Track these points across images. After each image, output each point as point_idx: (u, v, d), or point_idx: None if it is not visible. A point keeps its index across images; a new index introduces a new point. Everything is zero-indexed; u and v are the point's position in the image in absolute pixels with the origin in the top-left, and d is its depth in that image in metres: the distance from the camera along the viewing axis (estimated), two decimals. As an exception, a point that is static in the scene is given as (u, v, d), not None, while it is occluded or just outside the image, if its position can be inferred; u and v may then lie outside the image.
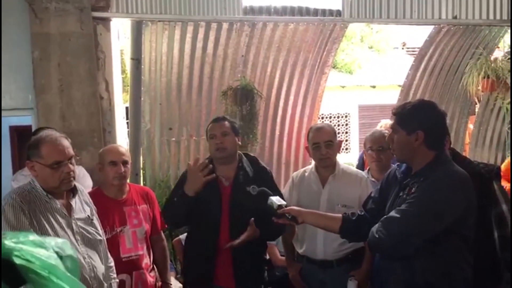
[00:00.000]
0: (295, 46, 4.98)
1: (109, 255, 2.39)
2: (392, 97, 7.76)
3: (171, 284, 3.06)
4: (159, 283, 3.01)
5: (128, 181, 2.98)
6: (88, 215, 2.26)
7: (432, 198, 1.97)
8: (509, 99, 5.48)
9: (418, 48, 5.86)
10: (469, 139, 6.04)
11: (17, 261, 0.98)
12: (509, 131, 5.50)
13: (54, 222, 2.08)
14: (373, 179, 3.04)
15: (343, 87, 11.46)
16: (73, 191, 2.23)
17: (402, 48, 13.93)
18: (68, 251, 1.12)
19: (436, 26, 5.06)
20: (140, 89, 4.70)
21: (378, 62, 12.97)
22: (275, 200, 2.33)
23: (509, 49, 5.52)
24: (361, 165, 4.45)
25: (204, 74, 4.91)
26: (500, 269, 2.33)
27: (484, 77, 5.20)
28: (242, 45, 4.85)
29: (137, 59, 4.59)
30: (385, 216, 2.06)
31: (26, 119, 4.38)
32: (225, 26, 4.67)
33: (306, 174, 3.00)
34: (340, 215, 2.31)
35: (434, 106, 2.15)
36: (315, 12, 4.65)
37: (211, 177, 2.62)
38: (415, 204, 1.97)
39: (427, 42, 5.35)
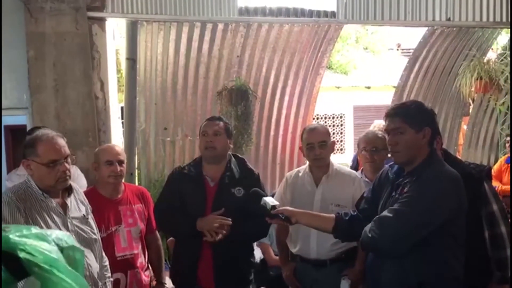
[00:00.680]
0: (290, 47, 5.00)
1: (104, 254, 2.39)
2: (386, 98, 7.81)
3: (165, 284, 3.07)
4: (154, 283, 3.02)
5: (123, 180, 2.98)
6: (83, 214, 2.27)
7: (424, 197, 1.99)
8: (502, 101, 5.53)
9: (413, 49, 5.90)
10: (463, 140, 6.09)
11: (22, 255, 1.02)
12: (502, 132, 5.54)
13: (49, 221, 2.09)
14: (366, 180, 3.06)
15: (338, 87, 11.51)
16: (69, 190, 2.24)
17: (397, 49, 14.00)
18: (70, 242, 1.15)
19: (430, 27, 5.10)
20: (135, 89, 4.71)
21: (373, 63, 13.04)
22: (269, 200, 2.34)
23: (502, 51, 5.57)
24: (355, 166, 4.47)
25: (199, 74, 4.93)
26: (490, 268, 2.36)
27: (477, 79, 5.25)
28: (237, 46, 4.87)
29: (132, 59, 4.60)
30: (377, 216, 2.08)
31: (20, 119, 4.37)
32: (220, 26, 4.68)
33: (300, 174, 3.01)
34: (333, 215, 2.33)
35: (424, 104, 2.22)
36: (310, 13, 4.67)
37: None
38: (407, 204, 1.99)
39: (421, 43, 5.39)
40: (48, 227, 2.07)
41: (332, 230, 2.28)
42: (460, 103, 5.76)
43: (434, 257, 2.01)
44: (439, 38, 5.23)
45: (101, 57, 4.25)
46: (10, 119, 5.27)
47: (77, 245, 1.17)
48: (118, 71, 5.15)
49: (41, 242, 1.05)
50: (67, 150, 2.18)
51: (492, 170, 4.84)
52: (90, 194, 2.62)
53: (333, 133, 11.80)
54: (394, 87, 6.06)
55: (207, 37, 4.74)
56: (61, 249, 1.10)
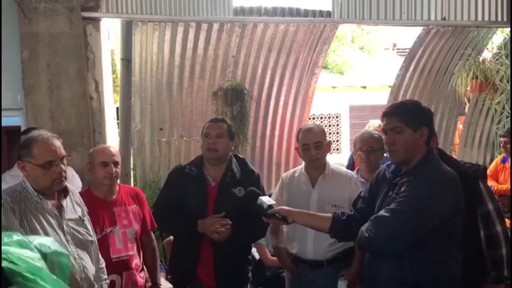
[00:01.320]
0: (286, 46, 4.99)
1: (100, 256, 2.38)
2: (382, 98, 7.80)
3: (160, 285, 3.06)
4: (149, 284, 3.00)
5: (118, 181, 2.97)
6: (79, 216, 2.25)
7: (421, 196, 1.98)
8: (498, 100, 5.54)
9: (408, 49, 5.90)
10: (459, 140, 6.10)
11: (4, 264, 0.98)
12: (498, 131, 5.55)
13: (45, 223, 2.07)
14: (362, 180, 3.06)
15: (334, 87, 11.51)
16: (65, 191, 2.23)
17: (393, 49, 14.02)
18: (54, 247, 1.11)
19: (425, 27, 5.10)
20: (130, 89, 4.70)
21: (369, 62, 13.06)
22: (265, 200, 2.33)
23: (498, 50, 5.58)
24: (351, 166, 4.47)
25: (194, 75, 4.91)
26: (486, 267, 2.36)
27: (473, 78, 5.25)
28: (233, 46, 4.86)
29: (127, 59, 4.58)
30: (374, 215, 2.07)
31: (15, 120, 4.34)
32: (215, 26, 4.67)
33: (296, 174, 3.01)
34: (330, 214, 2.32)
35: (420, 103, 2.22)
36: (306, 13, 4.66)
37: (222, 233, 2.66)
38: (404, 203, 1.99)
39: (416, 43, 5.40)
40: (44, 229, 2.05)
41: (328, 230, 2.27)
42: (455, 103, 5.77)
43: (431, 256, 2.01)
44: (435, 37, 5.24)
45: (96, 58, 4.23)
46: (4, 120, 5.23)
47: (61, 249, 1.14)
48: (113, 71, 5.13)
49: (24, 249, 1.01)
50: (62, 151, 2.16)
51: (488, 170, 4.85)
52: (85, 195, 2.60)
53: (329, 133, 11.80)
54: (390, 86, 6.06)
55: (202, 37, 4.72)
56: (45, 256, 1.06)
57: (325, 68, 11.35)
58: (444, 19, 4.79)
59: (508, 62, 5.29)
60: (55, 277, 1.01)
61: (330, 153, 3.01)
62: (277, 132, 5.43)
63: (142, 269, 2.95)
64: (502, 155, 5.07)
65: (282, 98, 5.30)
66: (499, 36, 5.80)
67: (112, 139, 4.69)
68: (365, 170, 3.15)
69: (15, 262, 0.98)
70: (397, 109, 2.13)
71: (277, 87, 5.23)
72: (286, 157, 5.54)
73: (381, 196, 2.17)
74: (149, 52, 4.73)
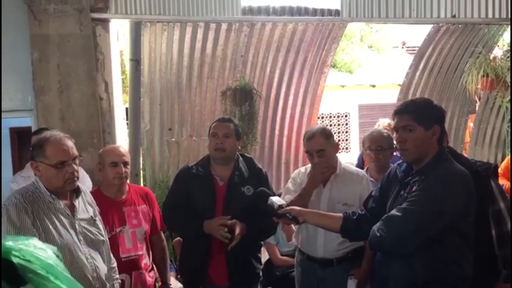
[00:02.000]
0: (294, 46, 4.98)
1: (111, 255, 2.40)
2: (392, 96, 7.77)
3: (170, 285, 3.07)
4: (159, 284, 3.02)
5: (128, 181, 2.99)
6: (91, 216, 2.27)
7: (433, 196, 1.97)
8: (509, 98, 5.48)
9: (418, 47, 5.86)
10: (469, 138, 6.04)
11: (16, 260, 0.98)
12: (509, 129, 5.50)
13: (57, 223, 2.09)
14: (371, 179, 3.04)
15: (343, 86, 11.47)
16: (77, 191, 2.25)
17: (402, 47, 13.93)
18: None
19: (435, 25, 5.06)
20: (140, 90, 4.71)
21: (378, 61, 12.98)
22: (276, 200, 2.34)
23: (509, 48, 5.52)
24: (360, 165, 4.44)
25: (203, 75, 4.92)
26: (497, 266, 2.33)
27: (483, 76, 5.20)
28: (241, 45, 4.86)
29: (136, 60, 4.59)
30: (386, 215, 2.07)
31: (25, 121, 4.38)
32: (224, 26, 4.67)
33: (307, 173, 2.99)
34: (340, 214, 2.32)
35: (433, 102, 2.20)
36: (314, 12, 4.65)
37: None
38: (416, 202, 1.98)
39: (426, 41, 5.36)
40: (56, 228, 2.08)
41: (339, 230, 2.27)
42: (466, 101, 5.72)
43: (443, 256, 2.00)
44: (444, 35, 5.20)
45: (105, 58, 4.25)
46: (15, 121, 5.28)
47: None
48: (122, 72, 5.16)
49: (38, 249, 1.02)
50: (75, 151, 2.18)
51: (499, 168, 4.80)
52: (95, 195, 2.62)
53: (338, 132, 11.76)
54: (399, 85, 6.02)
55: (210, 37, 4.73)
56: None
57: (333, 67, 11.32)
58: (454, 16, 4.76)
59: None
60: (68, 274, 1.01)
61: (339, 153, 2.98)
62: (285, 132, 5.42)
63: (152, 269, 2.96)
64: (514, 153, 5.01)
65: (291, 97, 5.29)
66: (509, 33, 5.74)
67: (122, 140, 4.71)
68: (374, 169, 3.13)
69: (29, 260, 0.99)
70: (409, 107, 2.11)
71: (285, 86, 5.23)
72: (295, 157, 5.53)
73: (393, 195, 2.16)
74: (158, 52, 4.74)
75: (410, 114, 2.07)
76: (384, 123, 4.62)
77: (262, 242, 3.17)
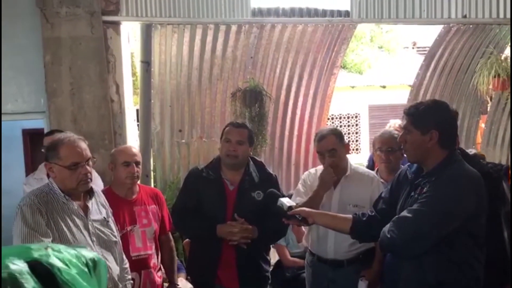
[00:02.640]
0: (304, 47, 4.98)
1: (124, 256, 2.42)
2: (402, 97, 7.72)
3: (178, 285, 3.09)
4: (166, 284, 3.04)
5: (138, 181, 3.01)
6: (104, 217, 2.30)
7: (444, 197, 1.97)
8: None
9: (428, 47, 5.82)
10: (481, 139, 5.99)
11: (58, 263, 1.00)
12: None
13: (71, 223, 2.13)
14: (382, 180, 3.03)
15: (353, 87, 11.44)
16: (90, 193, 2.28)
17: (413, 48, 13.86)
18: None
19: (446, 25, 5.03)
20: (150, 91, 4.74)
21: (388, 62, 12.93)
22: (285, 201, 2.34)
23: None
24: (371, 166, 4.43)
25: (213, 76, 4.94)
26: (510, 268, 2.31)
27: (494, 76, 5.16)
28: (251, 47, 4.87)
29: (147, 62, 4.62)
30: (396, 216, 2.06)
31: (38, 123, 4.43)
32: (233, 28, 4.69)
33: (318, 174, 2.99)
34: (350, 215, 2.32)
35: (446, 106, 2.16)
36: (324, 13, 4.64)
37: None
38: (427, 204, 1.97)
39: (437, 41, 5.33)
40: (70, 229, 2.11)
41: (349, 231, 2.27)
42: (477, 101, 5.67)
43: (454, 257, 1.99)
44: (455, 35, 5.16)
45: (116, 61, 4.28)
46: (28, 123, 5.35)
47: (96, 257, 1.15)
48: (133, 74, 5.19)
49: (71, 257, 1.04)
50: (88, 153, 2.22)
51: (512, 169, 4.75)
52: (106, 194, 2.65)
53: (348, 133, 11.73)
54: (410, 86, 5.99)
55: (220, 39, 4.75)
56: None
57: (343, 68, 11.28)
58: (465, 16, 4.72)
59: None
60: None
61: (350, 153, 2.98)
62: (295, 133, 5.42)
63: (160, 269, 2.98)
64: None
65: (301, 98, 5.29)
66: (510, 34, 5.68)
67: (133, 141, 4.75)
68: (384, 170, 3.13)
69: (68, 265, 1.01)
70: (410, 110, 2.13)
71: (295, 87, 5.22)
72: (305, 158, 5.53)
73: (403, 196, 2.16)
74: (168, 54, 4.77)
75: (409, 117, 2.10)
76: (395, 124, 4.60)
77: (271, 245, 3.18)
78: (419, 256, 2.00)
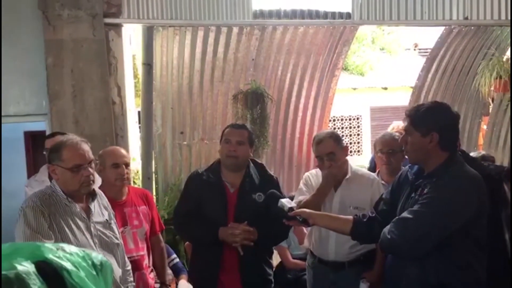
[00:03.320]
0: (305, 49, 4.99)
1: (126, 258, 2.42)
2: (404, 99, 7.72)
3: (169, 286, 3.09)
4: (158, 285, 3.03)
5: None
6: (106, 219, 2.31)
7: (444, 198, 1.97)
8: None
9: (430, 49, 5.82)
10: (483, 140, 5.98)
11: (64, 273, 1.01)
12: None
13: (73, 225, 2.13)
14: (383, 182, 3.02)
15: (354, 89, 11.42)
16: (92, 195, 2.28)
17: (414, 49, 13.84)
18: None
19: (447, 27, 5.03)
20: (152, 93, 4.75)
21: (390, 63, 12.91)
22: (286, 202, 2.34)
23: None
24: (373, 168, 4.42)
25: (214, 78, 4.94)
26: (510, 268, 2.31)
27: (496, 78, 5.15)
28: (252, 49, 4.88)
29: (148, 64, 4.64)
30: (397, 217, 2.06)
31: (40, 125, 4.45)
32: (235, 30, 4.70)
33: (320, 175, 2.99)
34: (351, 217, 2.32)
35: (448, 108, 2.17)
36: (325, 15, 4.65)
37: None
38: (427, 205, 1.97)
39: (438, 43, 5.33)
40: (72, 231, 2.12)
41: (350, 232, 2.27)
42: (479, 103, 5.67)
43: (455, 259, 1.99)
44: (457, 37, 5.16)
45: (118, 63, 4.30)
46: (30, 125, 5.37)
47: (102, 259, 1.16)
48: (135, 76, 5.20)
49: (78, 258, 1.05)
50: (91, 155, 2.22)
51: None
52: None
53: (350, 135, 11.73)
54: (412, 87, 5.99)
55: (222, 41, 4.76)
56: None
57: (345, 69, 11.28)
58: (466, 18, 4.72)
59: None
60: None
61: (351, 155, 2.98)
62: (297, 135, 5.42)
63: (152, 270, 2.98)
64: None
65: (302, 100, 5.29)
66: (510, 35, 5.68)
67: (134, 143, 4.76)
68: (385, 172, 3.12)
69: (77, 267, 1.03)
70: (411, 111, 2.13)
71: (297, 89, 5.23)
72: (307, 160, 5.53)
73: (403, 198, 2.16)
74: (170, 56, 4.78)
75: (410, 119, 2.10)
76: (398, 126, 4.60)
77: (273, 248, 3.17)
78: (421, 257, 2.00)
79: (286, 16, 4.62)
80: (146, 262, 2.89)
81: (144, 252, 2.87)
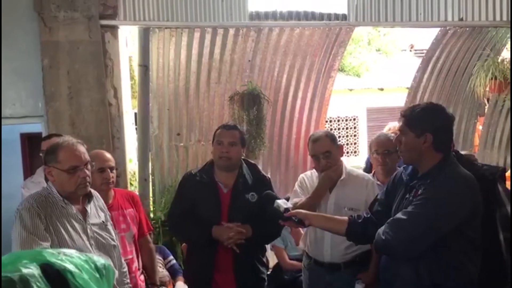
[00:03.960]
0: (301, 50, 5.00)
1: (122, 260, 2.42)
2: (400, 100, 7.72)
3: (159, 286, 3.09)
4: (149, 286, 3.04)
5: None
6: (102, 221, 2.31)
7: (438, 199, 1.98)
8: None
9: (426, 50, 5.85)
10: (478, 141, 6.01)
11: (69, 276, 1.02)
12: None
13: (69, 227, 2.13)
14: (378, 182, 3.04)
15: (351, 90, 11.45)
16: (89, 196, 2.28)
17: (410, 50, 13.89)
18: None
19: (443, 28, 5.05)
20: (148, 95, 4.75)
21: (386, 64, 12.96)
22: (282, 203, 2.35)
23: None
24: (368, 168, 4.42)
25: (211, 80, 4.95)
26: (505, 270, 2.33)
27: (491, 79, 5.18)
28: (249, 50, 4.88)
29: (145, 66, 4.63)
30: (391, 218, 2.07)
31: (36, 127, 4.44)
32: (231, 31, 4.70)
33: (314, 177, 3.00)
34: (346, 217, 2.33)
35: (443, 109, 2.18)
36: (321, 16, 4.66)
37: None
38: (421, 206, 1.98)
39: (434, 44, 5.35)
40: (68, 233, 2.12)
41: (345, 233, 2.28)
42: (474, 104, 5.69)
43: (449, 259, 2.00)
44: (452, 38, 5.18)
45: (114, 65, 4.29)
46: (26, 127, 5.36)
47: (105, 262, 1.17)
48: (131, 78, 5.20)
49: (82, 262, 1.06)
50: (87, 156, 2.22)
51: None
52: None
53: (347, 136, 11.75)
54: (408, 88, 6.01)
55: (218, 42, 4.76)
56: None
57: (341, 70, 11.31)
58: (461, 19, 4.74)
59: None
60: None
61: (348, 156, 3.00)
62: (293, 136, 5.43)
63: (142, 272, 2.98)
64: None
65: (299, 101, 5.30)
66: (510, 36, 5.71)
67: (131, 145, 4.75)
68: (381, 173, 3.14)
69: (80, 269, 1.04)
70: (406, 112, 2.15)
71: (293, 90, 5.24)
72: (303, 161, 5.53)
73: (398, 199, 2.17)
74: (166, 58, 4.78)
75: (405, 119, 2.12)
76: (394, 126, 4.61)
77: (266, 246, 3.18)
78: (415, 258, 2.01)
79: (282, 17, 4.64)
80: (136, 265, 2.89)
81: (133, 255, 2.87)
